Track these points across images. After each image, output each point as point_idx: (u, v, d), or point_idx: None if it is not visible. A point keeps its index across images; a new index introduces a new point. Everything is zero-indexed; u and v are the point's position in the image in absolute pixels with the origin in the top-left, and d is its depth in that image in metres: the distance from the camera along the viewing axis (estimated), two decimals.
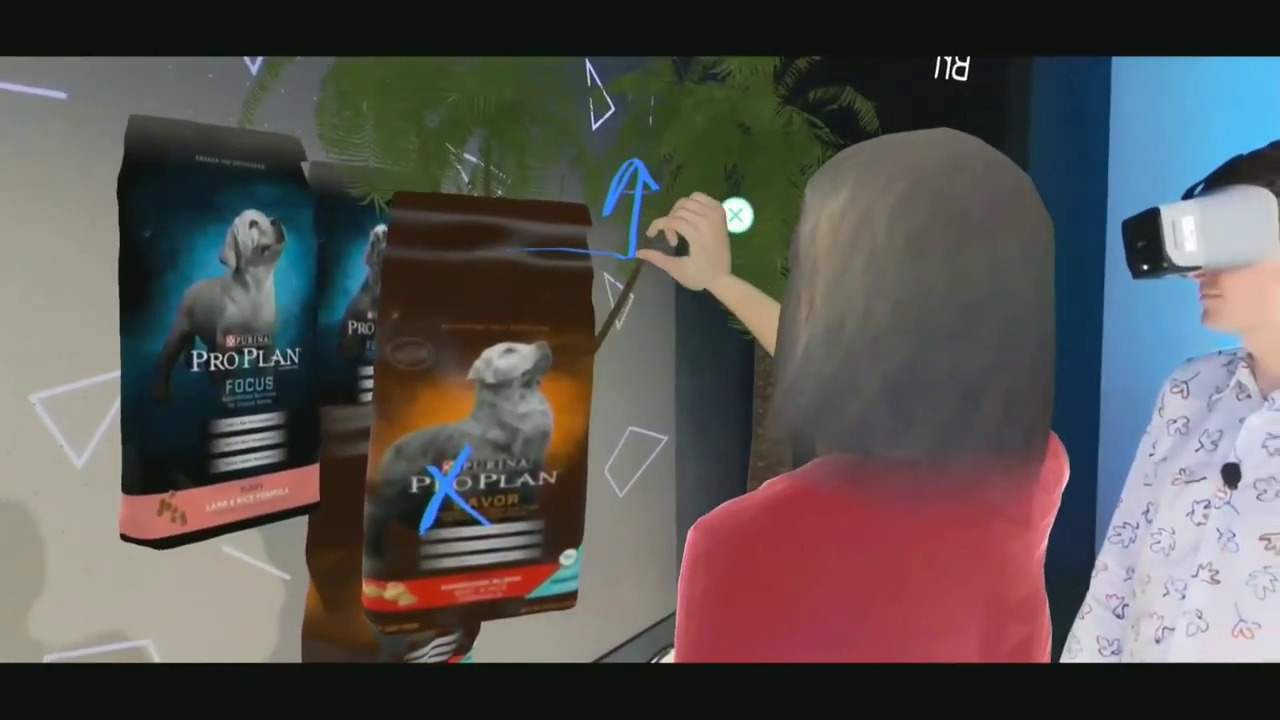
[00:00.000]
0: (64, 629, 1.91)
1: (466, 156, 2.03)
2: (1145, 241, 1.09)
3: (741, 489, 4.21)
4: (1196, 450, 1.18)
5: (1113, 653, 1.40)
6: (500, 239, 1.14)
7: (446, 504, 1.11)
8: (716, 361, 4.26)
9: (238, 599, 2.21)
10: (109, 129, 1.85)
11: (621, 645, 3.73)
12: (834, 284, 0.70)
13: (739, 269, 1.87)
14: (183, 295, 1.33)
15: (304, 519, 1.70)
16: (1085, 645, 1.39)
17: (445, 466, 1.10)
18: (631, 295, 3.63)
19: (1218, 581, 1.12)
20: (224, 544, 2.17)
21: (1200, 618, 1.14)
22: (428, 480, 1.11)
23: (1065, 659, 1.47)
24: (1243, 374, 1.16)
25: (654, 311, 3.86)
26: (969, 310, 0.67)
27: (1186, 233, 1.05)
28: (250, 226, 1.41)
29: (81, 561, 1.92)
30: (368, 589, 1.15)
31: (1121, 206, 5.24)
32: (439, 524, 1.11)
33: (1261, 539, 1.08)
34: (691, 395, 4.09)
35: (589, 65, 3.25)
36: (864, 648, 0.68)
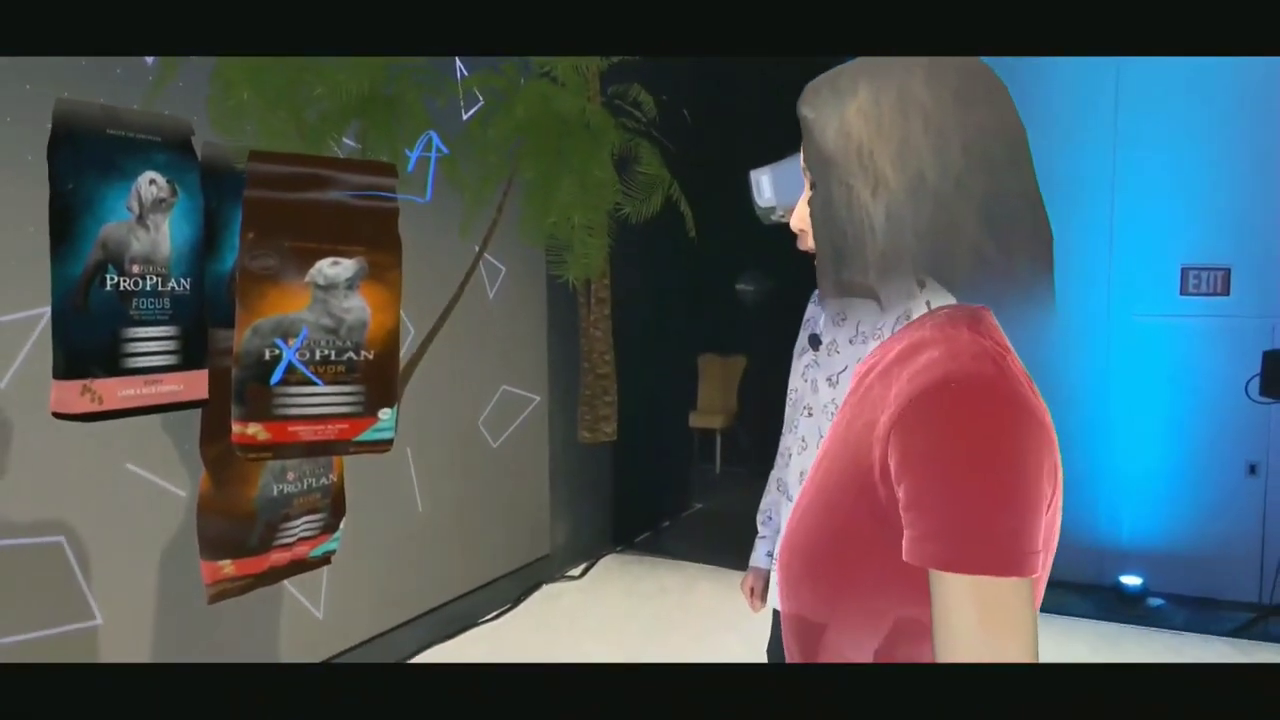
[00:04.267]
0: None
1: (348, 141, 2.47)
2: (751, 193, 1.65)
3: (607, 446, 4.69)
4: (807, 333, 1.74)
5: (768, 519, 1.92)
6: (329, 185, 1.62)
7: (290, 368, 1.58)
8: None
9: (135, 508, 2.61)
10: (32, 114, 2.27)
11: (494, 580, 4.18)
12: (900, 151, 0.83)
13: (544, 227, 2.34)
14: (97, 233, 1.77)
15: (196, 437, 2.12)
16: (770, 489, 1.93)
17: (289, 342, 1.58)
18: (504, 265, 4.10)
19: (811, 415, 1.67)
20: (128, 462, 2.59)
21: (803, 441, 1.69)
22: (277, 351, 1.58)
23: (764, 502, 1.97)
24: None
25: (527, 283, 4.30)
26: (1013, 144, 0.84)
27: (765, 186, 1.62)
28: (150, 184, 1.85)
29: (3, 472, 2.31)
30: (235, 428, 1.62)
31: None
32: (285, 383, 1.59)
33: (827, 380, 1.63)
34: (562, 360, 4.54)
35: (458, 62, 3.71)
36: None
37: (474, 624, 3.90)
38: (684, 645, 3.72)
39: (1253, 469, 5.53)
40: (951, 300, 0.89)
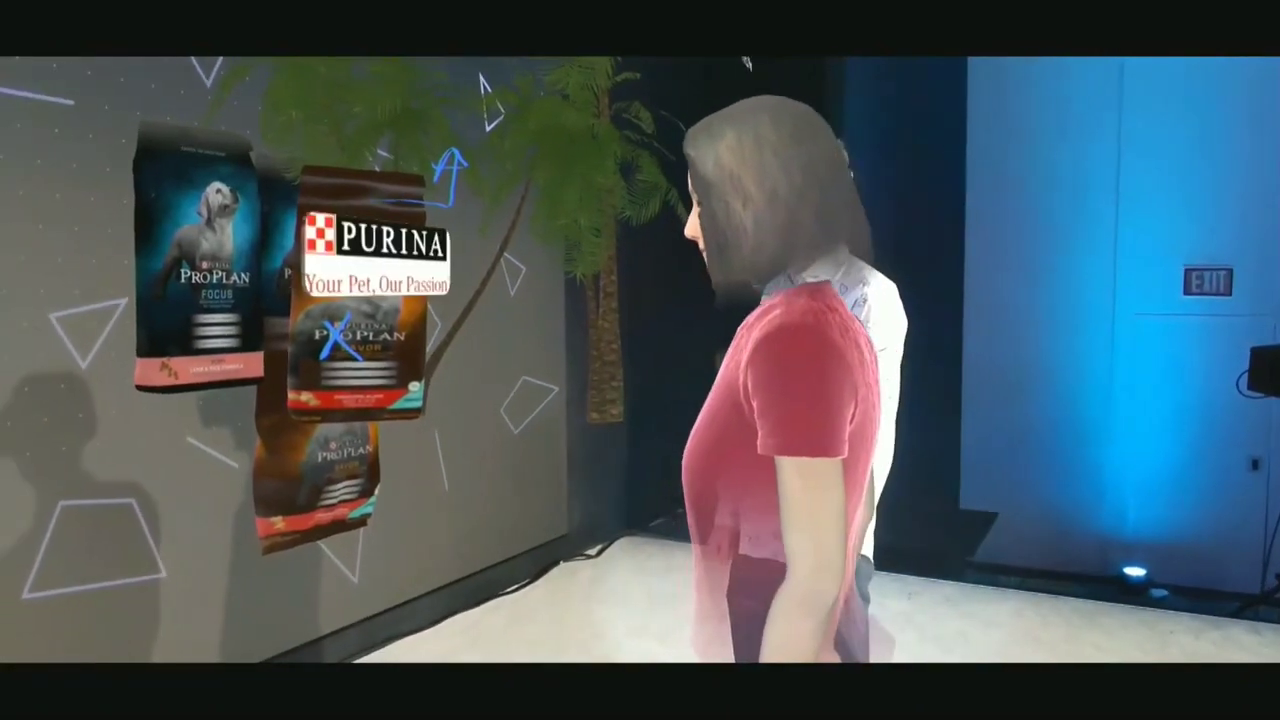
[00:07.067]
0: (71, 485, 2.64)
1: (381, 152, 2.79)
2: None
3: (622, 436, 5.00)
4: None
5: None
6: (367, 194, 1.94)
7: (336, 347, 1.90)
8: None
9: (195, 477, 2.95)
10: (107, 128, 2.61)
11: (515, 556, 4.49)
12: (759, 176, 1.18)
13: (554, 228, 2.64)
14: (174, 235, 2.10)
15: (246, 416, 2.44)
16: None
17: (335, 324, 1.90)
18: (524, 265, 4.40)
19: None
20: (188, 436, 2.92)
21: None
22: (325, 332, 1.90)
23: None
24: None
25: (546, 282, 4.59)
26: (834, 164, 1.22)
27: None
28: (216, 192, 2.17)
29: (84, 440, 2.66)
30: (290, 395, 1.94)
31: (979, 201, 6.07)
32: (332, 359, 1.91)
33: None
34: (579, 354, 4.79)
35: (482, 77, 4.02)
36: (872, 377, 1.23)
37: (495, 595, 4.22)
38: (687, 615, 4.01)
39: (1255, 464, 5.71)
40: (806, 281, 1.26)
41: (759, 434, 1.17)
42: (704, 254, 1.28)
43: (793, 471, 1.14)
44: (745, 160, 1.20)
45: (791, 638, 1.14)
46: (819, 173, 1.21)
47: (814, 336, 1.16)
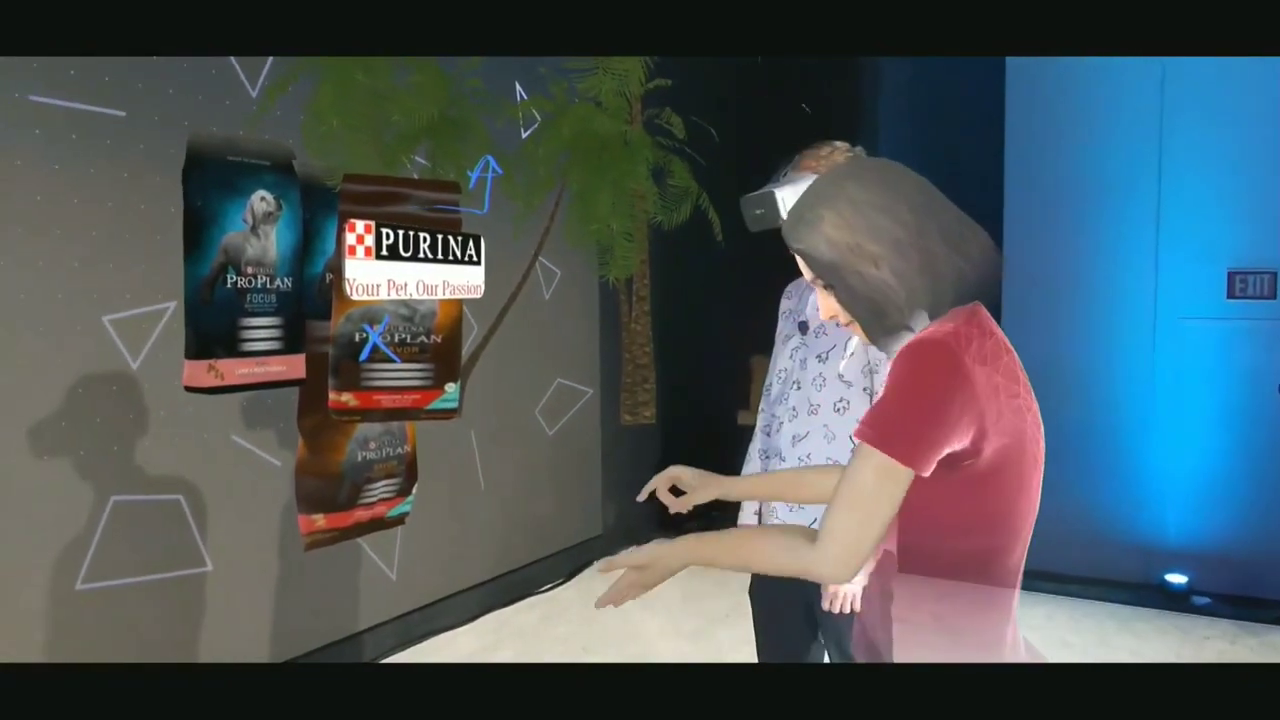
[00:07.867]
0: (122, 481, 2.74)
1: (419, 160, 2.86)
2: (763, 210, 1.93)
3: (655, 438, 5.05)
4: (793, 322, 2.07)
5: (773, 454, 2.21)
6: (405, 200, 2.01)
7: (375, 349, 1.97)
8: None
9: (240, 474, 3.04)
10: (156, 138, 2.71)
11: (550, 555, 4.55)
12: (875, 235, 1.21)
13: (587, 232, 2.69)
14: (221, 241, 2.18)
15: (288, 415, 2.52)
16: (754, 459, 2.24)
17: (374, 327, 1.97)
18: (559, 270, 4.47)
19: (800, 388, 2.00)
20: (233, 435, 3.01)
21: (794, 409, 2.02)
22: (364, 335, 1.97)
23: (745, 471, 2.25)
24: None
25: (581, 286, 4.66)
26: (929, 191, 1.25)
27: (790, 203, 1.90)
28: (261, 200, 2.25)
29: (135, 438, 2.76)
30: (331, 395, 2.01)
31: (1017, 204, 6.05)
32: (371, 360, 1.97)
33: (817, 357, 1.96)
34: (613, 358, 4.84)
35: (518, 85, 4.09)
36: (1024, 402, 1.22)
37: (529, 593, 4.28)
38: (716, 611, 4.05)
39: None
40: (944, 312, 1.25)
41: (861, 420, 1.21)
42: (855, 327, 1.30)
43: (871, 463, 1.15)
44: (855, 228, 1.22)
45: (766, 569, 1.25)
46: (921, 204, 1.24)
47: (939, 350, 1.16)
